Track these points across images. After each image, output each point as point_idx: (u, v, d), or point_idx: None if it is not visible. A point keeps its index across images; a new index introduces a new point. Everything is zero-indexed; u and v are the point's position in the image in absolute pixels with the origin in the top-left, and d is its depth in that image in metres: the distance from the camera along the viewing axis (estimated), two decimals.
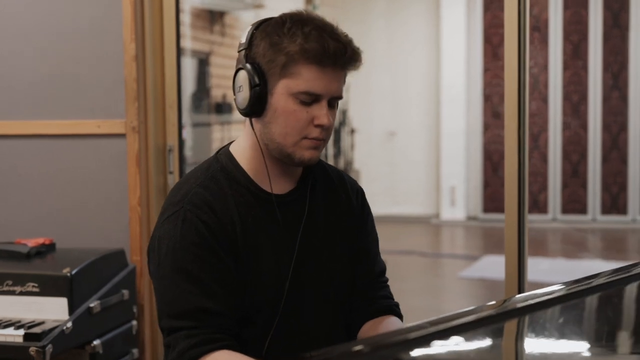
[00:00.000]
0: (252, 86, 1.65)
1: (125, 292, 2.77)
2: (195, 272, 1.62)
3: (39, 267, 2.60)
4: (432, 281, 6.73)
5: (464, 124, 9.65)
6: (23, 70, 2.96)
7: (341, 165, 8.58)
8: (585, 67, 9.03)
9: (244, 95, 1.67)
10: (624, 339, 1.44)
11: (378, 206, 9.55)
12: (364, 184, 9.11)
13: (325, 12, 9.41)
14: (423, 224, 9.77)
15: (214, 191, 1.69)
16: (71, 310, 2.50)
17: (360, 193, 1.91)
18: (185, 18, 6.85)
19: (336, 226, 1.82)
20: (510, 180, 2.58)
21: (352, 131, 8.99)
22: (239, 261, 1.67)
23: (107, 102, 2.91)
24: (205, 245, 1.64)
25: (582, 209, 9.14)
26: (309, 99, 1.64)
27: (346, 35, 1.66)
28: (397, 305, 1.91)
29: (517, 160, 2.57)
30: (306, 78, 1.62)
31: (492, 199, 9.56)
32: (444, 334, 1.23)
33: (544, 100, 9.14)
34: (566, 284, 1.49)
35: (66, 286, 2.50)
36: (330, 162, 7.41)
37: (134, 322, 2.83)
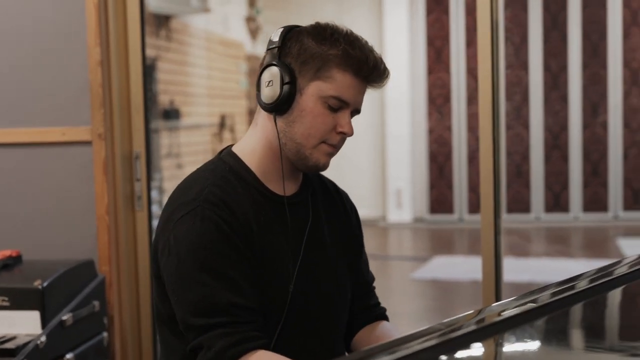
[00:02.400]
0: (283, 83, 1.65)
1: (96, 303, 2.70)
2: (221, 269, 1.60)
3: (8, 280, 2.52)
4: (384, 283, 6.74)
5: (409, 127, 9.72)
6: None
7: None
8: (604, 66, 9.13)
9: (273, 90, 1.67)
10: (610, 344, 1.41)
11: None
12: None
13: (269, 15, 9.39)
14: (370, 226, 9.79)
15: (226, 190, 1.68)
16: (44, 323, 2.43)
17: (353, 207, 1.95)
18: None
19: (336, 231, 1.84)
20: (485, 181, 2.60)
21: None
22: (255, 258, 1.66)
23: (71, 109, 2.83)
24: (228, 241, 1.62)
25: (604, 207, 9.24)
26: (337, 105, 1.67)
27: (379, 55, 1.71)
28: (385, 310, 1.97)
29: (492, 160, 2.59)
30: (340, 84, 1.65)
31: (438, 201, 9.65)
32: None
33: (564, 99, 9.23)
34: (551, 286, 1.48)
35: (38, 299, 2.43)
36: None
37: (105, 334, 2.76)
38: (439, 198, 9.64)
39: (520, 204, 9.33)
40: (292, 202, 1.75)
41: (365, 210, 10.24)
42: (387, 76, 1.71)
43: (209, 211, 1.63)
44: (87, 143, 2.82)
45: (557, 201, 9.33)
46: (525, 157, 9.32)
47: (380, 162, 9.97)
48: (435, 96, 9.58)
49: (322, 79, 1.65)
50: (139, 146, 2.93)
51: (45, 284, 2.45)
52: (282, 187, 1.74)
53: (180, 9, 7.31)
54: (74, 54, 2.81)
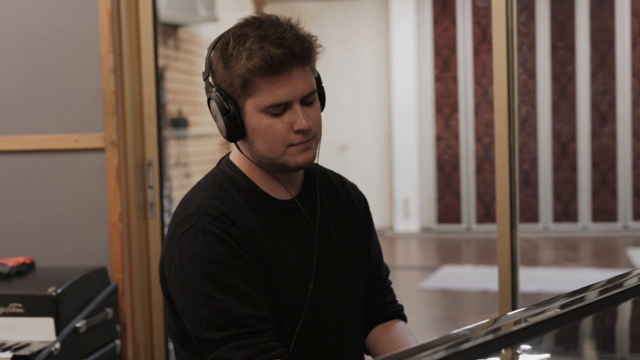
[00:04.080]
0: (224, 113, 1.64)
1: (109, 310, 2.69)
2: (230, 282, 1.59)
3: (22, 287, 2.51)
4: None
5: (416, 136, 9.70)
6: None
7: None
8: (613, 75, 9.11)
9: (220, 123, 1.66)
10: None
11: None
12: None
13: None
14: (377, 236, 9.77)
15: (226, 201, 1.67)
16: (58, 330, 2.42)
17: (362, 198, 1.92)
18: None
19: (344, 229, 1.82)
20: (501, 190, 2.58)
21: None
22: (261, 268, 1.65)
23: (84, 116, 2.83)
24: (233, 254, 1.61)
25: (613, 217, 9.20)
26: (279, 109, 1.62)
27: (293, 30, 1.62)
28: (402, 308, 1.94)
29: (508, 169, 2.57)
30: (266, 91, 1.60)
31: (446, 210, 9.63)
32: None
33: (572, 108, 9.20)
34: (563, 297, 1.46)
35: (52, 306, 2.42)
36: None
37: (118, 342, 2.75)
38: (447, 207, 9.62)
39: (528, 213, 9.30)
40: (295, 205, 1.73)
41: None
42: (309, 52, 1.62)
43: (210, 225, 1.61)
44: (100, 150, 2.82)
45: (565, 211, 9.30)
46: (533, 166, 9.30)
47: (387, 172, 9.96)
48: (443, 105, 9.57)
49: (250, 94, 1.62)
50: (151, 154, 2.93)
51: (59, 291, 2.44)
52: (282, 191, 1.73)
53: (189, 19, 7.31)
54: (87, 61, 2.81)
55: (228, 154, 1.80)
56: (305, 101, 1.64)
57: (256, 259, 1.64)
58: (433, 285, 6.93)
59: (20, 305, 2.43)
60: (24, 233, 2.86)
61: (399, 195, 9.82)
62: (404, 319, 1.93)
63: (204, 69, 1.68)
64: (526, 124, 9.26)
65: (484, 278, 6.87)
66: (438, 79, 9.58)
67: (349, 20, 9.85)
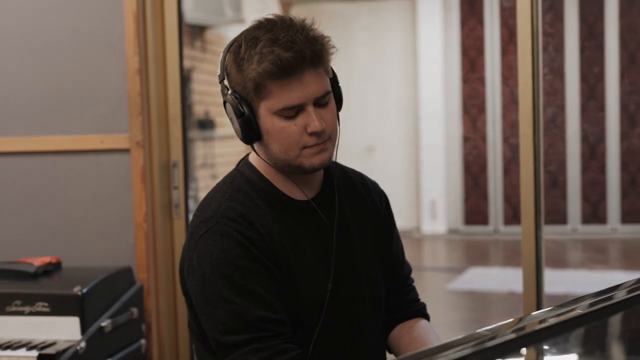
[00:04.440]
0: (239, 116, 1.64)
1: (134, 310, 2.70)
2: (247, 285, 1.59)
3: (48, 287, 2.54)
4: (420, 295, 6.71)
5: (443, 137, 9.67)
6: (23, 85, 2.90)
7: None
8: None
9: (236, 126, 1.67)
10: None
11: None
12: None
13: None
14: (404, 237, 9.61)
15: (244, 203, 1.67)
16: (83, 329, 2.44)
17: (383, 195, 1.92)
18: None
19: (364, 227, 1.82)
20: (526, 191, 2.56)
21: None
22: (278, 270, 1.65)
23: (110, 117, 2.85)
24: (250, 256, 1.61)
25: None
26: (292, 112, 1.62)
27: (304, 32, 1.61)
28: (424, 307, 1.94)
29: (533, 170, 2.55)
30: (278, 94, 1.60)
31: (473, 212, 9.58)
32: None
33: (601, 109, 9.14)
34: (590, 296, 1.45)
35: (78, 305, 2.44)
36: None
37: (143, 341, 2.77)
38: (474, 209, 9.57)
39: (556, 215, 9.23)
40: (314, 205, 1.73)
41: (399, 221, 10.16)
42: (320, 55, 1.61)
43: (228, 227, 1.62)
44: (125, 151, 2.84)
45: (594, 212, 9.22)
46: (561, 167, 9.22)
47: (414, 173, 9.93)
48: (470, 106, 9.53)
49: (263, 97, 1.62)
50: (176, 154, 2.94)
51: (84, 290, 2.46)
52: (301, 192, 1.73)
53: (215, 20, 7.34)
54: (113, 63, 2.84)
55: (247, 155, 1.80)
56: (319, 103, 1.64)
57: (273, 260, 1.64)
58: (460, 287, 6.90)
59: (46, 304, 2.45)
60: (50, 233, 2.88)
61: (425, 197, 9.79)
62: (427, 317, 1.92)
63: (219, 72, 1.69)
64: (554, 125, 9.19)
65: (511, 280, 6.82)
66: (465, 80, 9.54)
67: (376, 21, 9.84)
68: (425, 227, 9.79)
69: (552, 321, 1.33)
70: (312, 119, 1.61)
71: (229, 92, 1.65)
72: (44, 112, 2.89)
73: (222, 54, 1.69)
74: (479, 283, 7.00)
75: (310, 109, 1.62)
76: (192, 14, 6.70)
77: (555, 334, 1.32)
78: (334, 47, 1.65)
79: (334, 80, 1.71)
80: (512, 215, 9.20)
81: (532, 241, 2.56)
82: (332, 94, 1.68)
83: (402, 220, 9.95)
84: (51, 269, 2.66)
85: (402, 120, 9.82)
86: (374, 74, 9.85)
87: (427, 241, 9.55)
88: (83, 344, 2.39)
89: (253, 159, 1.76)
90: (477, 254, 8.87)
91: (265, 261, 1.62)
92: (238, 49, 1.62)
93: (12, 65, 2.91)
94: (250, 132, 1.65)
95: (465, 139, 9.59)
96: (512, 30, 9.15)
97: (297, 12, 9.41)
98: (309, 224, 1.72)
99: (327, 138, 1.65)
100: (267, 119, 1.63)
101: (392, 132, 9.89)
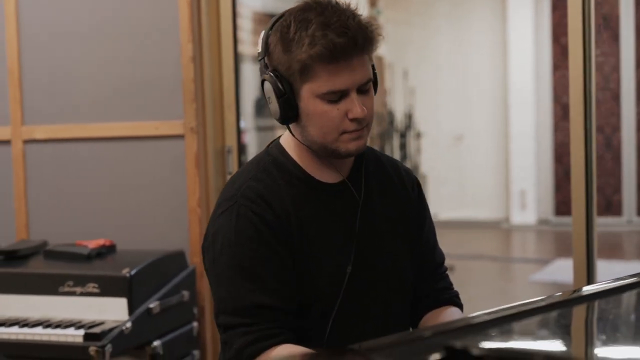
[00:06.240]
0: (279, 96, 1.64)
1: (186, 293, 2.76)
2: (252, 268, 1.62)
3: (99, 268, 2.62)
4: (502, 286, 6.59)
5: (533, 126, 9.45)
6: (82, 73, 2.99)
7: None
8: None
9: (274, 106, 1.66)
10: None
11: (446, 211, 9.43)
12: (431, 188, 9.02)
13: (389, 16, 9.35)
14: (492, 228, 9.59)
15: (266, 183, 1.69)
16: (131, 310, 2.51)
17: (416, 182, 1.90)
18: (246, 24, 6.86)
19: (393, 213, 1.81)
20: (577, 182, 2.49)
21: (419, 135, 8.89)
22: (295, 251, 1.66)
23: (164, 104, 2.91)
24: (261, 239, 1.63)
25: None
26: (336, 97, 1.62)
27: (356, 18, 1.61)
28: (457, 295, 1.90)
29: (584, 161, 2.49)
30: (325, 78, 1.60)
31: (564, 202, 9.33)
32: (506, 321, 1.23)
33: (616, 98, 8.88)
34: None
35: (126, 287, 2.51)
36: None
37: (195, 324, 2.82)
38: (565, 200, 9.32)
39: (612, 206, 8.90)
40: (340, 188, 1.73)
41: (488, 212, 10.06)
42: (370, 42, 1.61)
43: (245, 208, 1.64)
44: (180, 137, 2.89)
45: None
46: (617, 160, 8.87)
47: (503, 163, 9.75)
48: (561, 94, 9.27)
49: (308, 80, 1.61)
50: (230, 140, 2.98)
51: (133, 272, 2.53)
52: (328, 174, 1.73)
53: (286, 9, 7.39)
54: (168, 50, 2.89)
55: (279, 137, 1.81)
56: (362, 89, 1.64)
57: (288, 243, 1.65)
58: (544, 278, 6.74)
59: (96, 285, 2.53)
60: (106, 217, 2.97)
61: (515, 187, 9.60)
62: (460, 306, 1.89)
63: (260, 50, 1.68)
64: (609, 116, 8.85)
65: (598, 272, 6.63)
66: (557, 67, 9.29)
67: (463, 8, 9.69)
68: (514, 218, 9.60)
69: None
70: (355, 105, 1.62)
71: (269, 70, 1.65)
72: (101, 99, 2.97)
73: (263, 32, 1.68)
74: (563, 274, 6.81)
75: (354, 95, 1.63)
76: (262, 3, 6.76)
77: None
78: (381, 34, 1.66)
79: (373, 68, 1.71)
80: (604, 206, 8.93)
81: (582, 232, 2.50)
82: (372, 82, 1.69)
83: (490, 211, 9.81)
84: (104, 252, 2.74)
85: (491, 109, 9.65)
86: (462, 62, 9.70)
87: (516, 232, 9.37)
88: (129, 324, 2.45)
89: (284, 140, 1.77)
90: (566, 246, 8.63)
91: (277, 245, 1.63)
92: (287, 29, 1.62)
93: (71, 55, 3.00)
94: (289, 112, 1.65)
95: (556, 128, 9.35)
96: (606, 15, 8.85)
97: (385, 2, 9.35)
98: (334, 206, 1.72)
99: (365, 125, 1.66)
100: (309, 101, 1.63)
101: (480, 121, 9.72)
